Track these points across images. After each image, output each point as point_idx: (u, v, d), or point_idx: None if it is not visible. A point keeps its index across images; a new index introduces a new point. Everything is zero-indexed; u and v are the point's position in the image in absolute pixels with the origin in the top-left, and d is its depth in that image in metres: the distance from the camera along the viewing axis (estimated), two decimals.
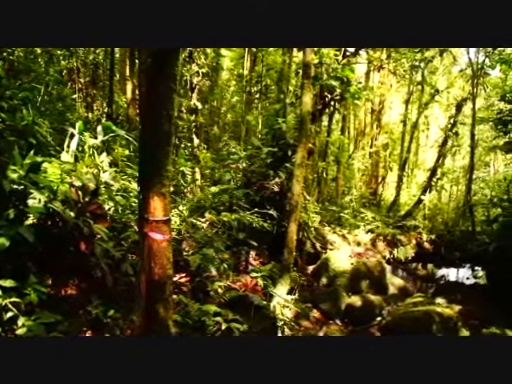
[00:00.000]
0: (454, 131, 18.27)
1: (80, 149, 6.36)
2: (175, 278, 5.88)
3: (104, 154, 6.61)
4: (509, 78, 19.79)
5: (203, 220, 7.26)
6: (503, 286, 10.06)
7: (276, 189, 9.35)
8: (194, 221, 6.99)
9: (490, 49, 16.38)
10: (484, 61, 17.07)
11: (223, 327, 5.39)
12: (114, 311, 4.60)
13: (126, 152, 7.40)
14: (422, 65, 18.34)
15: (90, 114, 11.83)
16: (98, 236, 4.93)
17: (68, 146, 6.10)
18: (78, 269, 4.79)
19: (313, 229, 11.35)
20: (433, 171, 18.49)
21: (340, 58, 11.90)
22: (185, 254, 6.38)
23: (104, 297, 4.79)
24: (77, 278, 4.82)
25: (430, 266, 14.81)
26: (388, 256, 13.45)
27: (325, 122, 15.97)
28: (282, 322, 6.95)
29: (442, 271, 14.22)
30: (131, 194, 6.34)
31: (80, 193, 4.94)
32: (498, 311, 9.08)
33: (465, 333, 7.89)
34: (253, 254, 8.51)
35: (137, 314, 3.60)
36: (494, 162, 27.22)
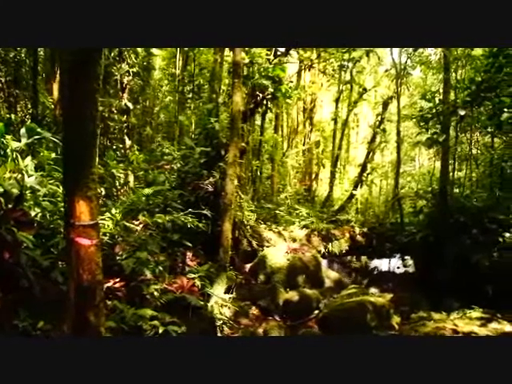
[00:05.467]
0: (381, 128, 19.10)
1: (1, 152, 6.02)
2: (109, 284, 5.72)
3: (29, 157, 6.29)
4: (428, 78, 21.03)
5: (137, 223, 7.12)
6: (428, 272, 10.70)
7: (210, 188, 9.34)
8: (127, 224, 6.83)
9: (411, 50, 17.30)
10: (406, 62, 18.03)
11: (160, 331, 5.32)
12: (44, 323, 4.40)
13: (53, 155, 7.08)
14: (350, 64, 18.99)
15: (13, 116, 11.18)
16: (25, 244, 4.70)
17: None
18: (3, 280, 4.54)
19: (249, 227, 11.46)
20: (363, 167, 19.21)
21: (271, 57, 12.05)
22: (118, 258, 6.22)
23: (32, 308, 4.57)
24: (1, 290, 4.57)
25: (363, 257, 15.36)
26: (323, 250, 13.82)
27: (258, 121, 16.13)
28: (221, 322, 6.97)
29: (375, 262, 14.79)
30: (59, 199, 6.08)
31: (2, 199, 4.69)
32: (425, 296, 9.65)
33: (396, 319, 8.30)
34: (189, 254, 8.44)
35: (68, 323, 3.48)
36: (418, 157, 28.74)
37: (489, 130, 14.28)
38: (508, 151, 13.63)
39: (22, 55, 13.42)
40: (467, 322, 7.15)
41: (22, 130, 6.38)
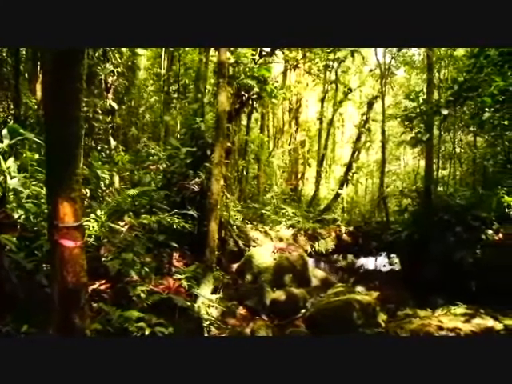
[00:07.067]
0: (366, 127, 19.28)
1: None
2: (95, 286, 5.68)
3: (11, 158, 6.22)
4: (412, 78, 21.28)
5: (122, 224, 7.06)
6: (413, 269, 10.81)
7: (196, 189, 9.31)
8: (113, 225, 6.78)
9: (395, 50, 17.49)
10: (390, 62, 18.24)
11: (147, 332, 5.28)
12: (28, 326, 4.34)
13: (36, 156, 7.00)
14: (335, 64, 19.10)
15: None
16: (8, 247, 4.64)
17: None
18: None
19: (235, 227, 11.44)
20: (349, 166, 19.33)
21: (257, 57, 12.04)
22: (104, 259, 6.17)
23: (16, 312, 4.51)
24: None
25: (349, 256, 15.45)
26: (309, 249, 13.87)
27: (244, 121, 16.11)
28: (208, 322, 6.94)
29: (361, 261, 14.89)
30: (43, 201, 6.01)
31: None
32: (411, 293, 9.75)
33: (382, 317, 8.36)
34: (176, 255, 8.41)
35: (52, 326, 3.44)
36: (403, 156, 29.02)
37: (471, 129, 14.53)
38: (490, 150, 13.84)
39: (4, 54, 13.22)
40: (451, 319, 7.24)
41: (5, 131, 6.29)
